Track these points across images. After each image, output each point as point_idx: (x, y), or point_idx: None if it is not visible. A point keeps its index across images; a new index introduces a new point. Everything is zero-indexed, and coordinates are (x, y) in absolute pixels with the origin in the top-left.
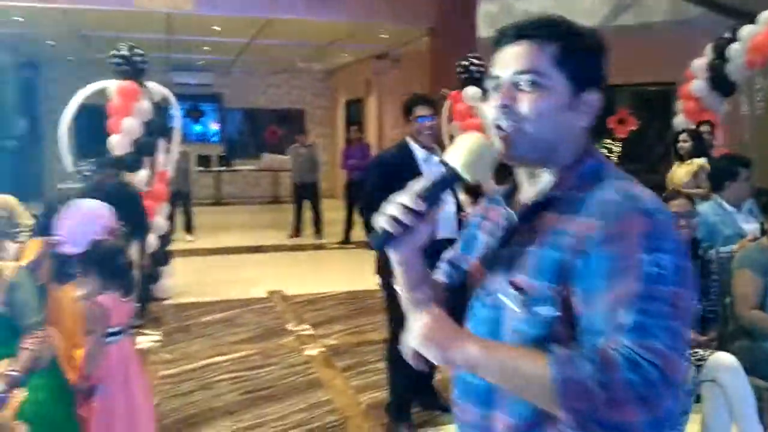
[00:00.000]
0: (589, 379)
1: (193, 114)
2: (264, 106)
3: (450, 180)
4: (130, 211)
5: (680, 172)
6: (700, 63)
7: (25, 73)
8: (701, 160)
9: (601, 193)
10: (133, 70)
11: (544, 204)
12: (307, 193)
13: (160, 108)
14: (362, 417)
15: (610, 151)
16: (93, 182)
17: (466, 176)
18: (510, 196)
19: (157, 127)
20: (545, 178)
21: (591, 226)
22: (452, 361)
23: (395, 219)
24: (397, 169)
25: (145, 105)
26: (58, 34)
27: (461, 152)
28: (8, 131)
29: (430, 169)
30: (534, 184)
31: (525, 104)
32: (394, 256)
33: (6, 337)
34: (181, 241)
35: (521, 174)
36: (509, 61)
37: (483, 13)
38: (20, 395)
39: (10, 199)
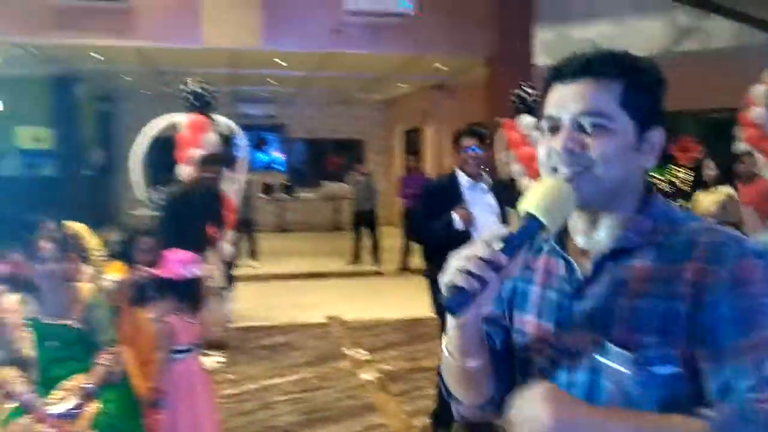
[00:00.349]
0: None
1: (258, 144)
2: (325, 136)
3: (531, 228)
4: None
5: (705, 202)
6: (760, 89)
7: (102, 107)
8: (728, 189)
9: (696, 237)
10: (201, 103)
11: (623, 252)
12: (365, 220)
13: (227, 139)
14: None
15: (678, 178)
16: (192, 180)
17: (547, 222)
18: (560, 243)
19: (223, 158)
20: (607, 223)
21: (703, 273)
22: None
23: (470, 274)
24: (441, 196)
25: (212, 137)
26: (133, 70)
27: (541, 197)
28: (86, 161)
29: (475, 197)
30: (593, 230)
31: (591, 149)
32: (454, 318)
33: (82, 352)
34: (245, 267)
35: (577, 219)
36: (570, 101)
37: (540, 41)
38: (94, 407)
39: (79, 226)
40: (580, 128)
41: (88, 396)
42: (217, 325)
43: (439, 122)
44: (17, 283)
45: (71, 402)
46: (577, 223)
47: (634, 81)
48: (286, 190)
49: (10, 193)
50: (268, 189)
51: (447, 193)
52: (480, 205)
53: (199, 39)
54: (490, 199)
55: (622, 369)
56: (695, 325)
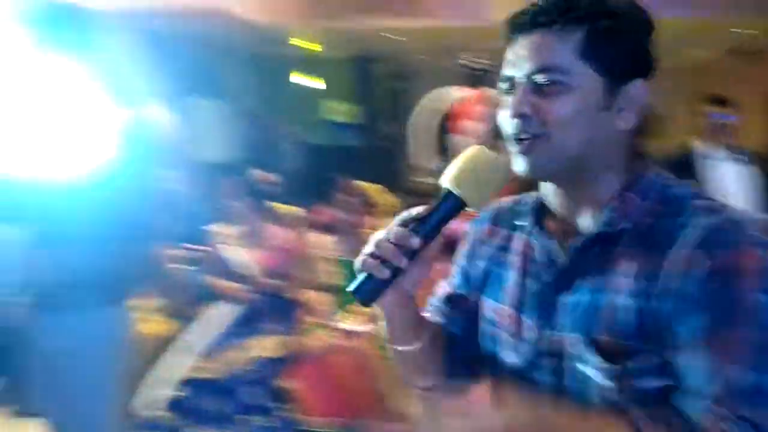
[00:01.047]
0: None
1: None
2: None
3: (449, 206)
4: None
5: None
6: None
7: (396, 84)
8: None
9: (693, 219)
10: (478, 77)
11: (609, 238)
12: None
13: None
14: None
15: None
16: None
17: (466, 199)
18: (538, 222)
19: (496, 130)
20: (587, 201)
21: (689, 259)
22: None
23: (381, 260)
24: (671, 170)
25: (486, 110)
26: (424, 49)
27: (460, 169)
28: (380, 133)
29: (723, 169)
30: (574, 209)
31: (546, 110)
32: (378, 308)
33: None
34: None
35: (553, 195)
36: (523, 57)
37: None
38: (378, 328)
39: (369, 186)
40: (537, 88)
41: (373, 320)
42: None
43: (740, 90)
44: (329, 228)
45: (359, 322)
46: (553, 200)
47: (597, 27)
48: None
49: (319, 158)
50: None
51: (678, 167)
52: (730, 178)
53: (487, 16)
54: (748, 172)
55: (604, 382)
56: (672, 322)
